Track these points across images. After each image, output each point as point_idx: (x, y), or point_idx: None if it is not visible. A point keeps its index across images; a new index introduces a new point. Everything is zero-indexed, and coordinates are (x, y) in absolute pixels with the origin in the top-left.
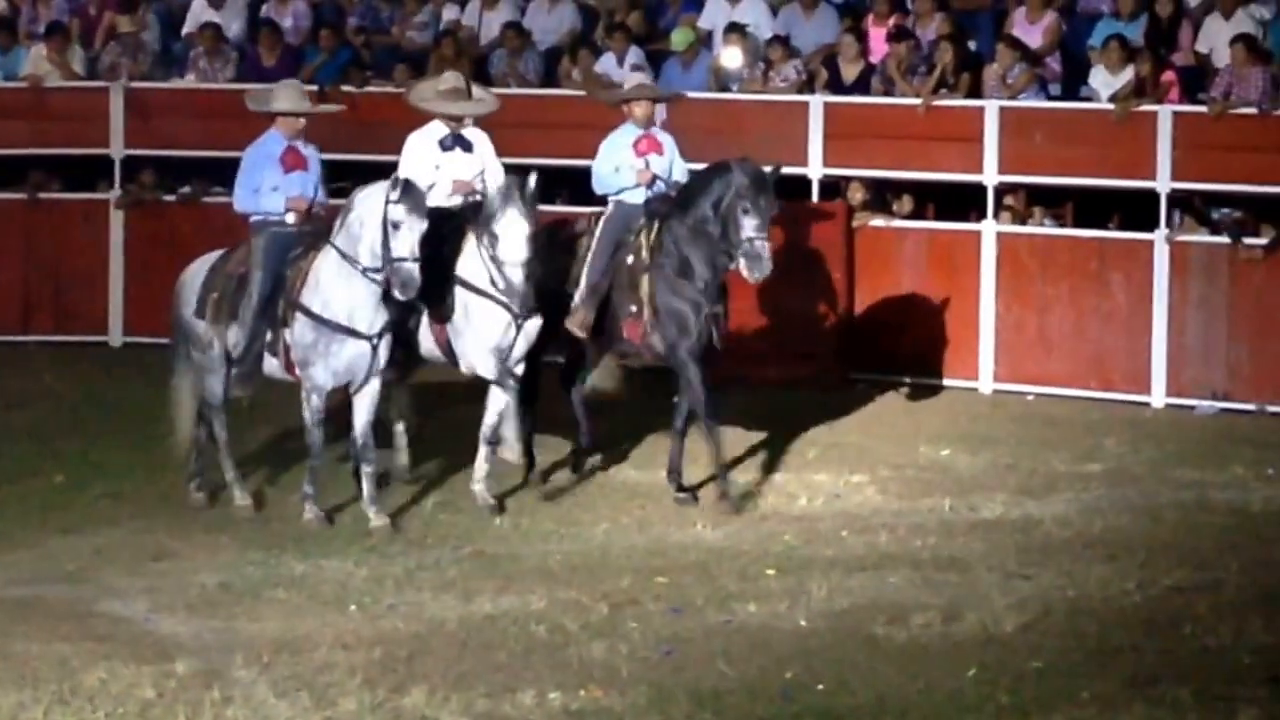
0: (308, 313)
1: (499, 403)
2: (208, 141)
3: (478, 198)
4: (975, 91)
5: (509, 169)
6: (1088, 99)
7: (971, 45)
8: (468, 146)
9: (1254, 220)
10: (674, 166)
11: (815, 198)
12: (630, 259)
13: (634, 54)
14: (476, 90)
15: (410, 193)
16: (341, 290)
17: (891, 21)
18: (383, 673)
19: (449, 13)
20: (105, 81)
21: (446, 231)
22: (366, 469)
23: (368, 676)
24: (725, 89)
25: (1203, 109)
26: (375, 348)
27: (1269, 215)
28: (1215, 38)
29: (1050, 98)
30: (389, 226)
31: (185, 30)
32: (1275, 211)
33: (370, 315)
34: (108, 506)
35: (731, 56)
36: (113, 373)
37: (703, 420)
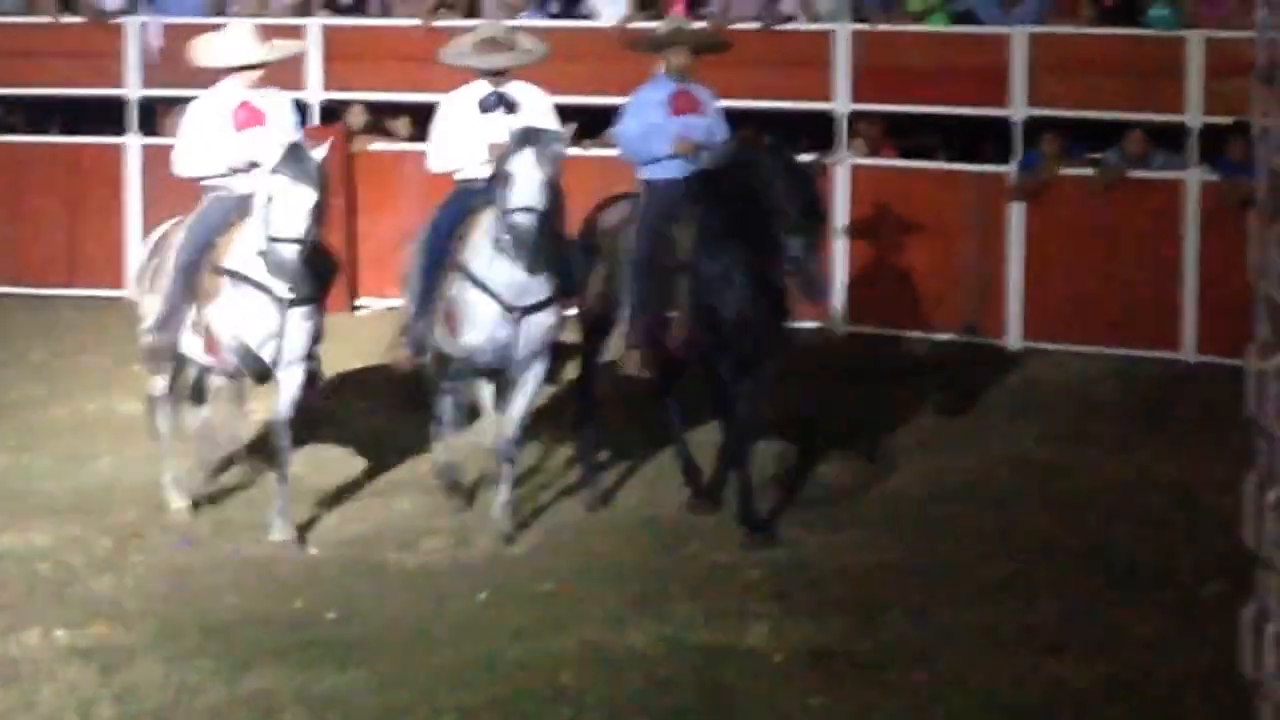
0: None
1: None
2: None
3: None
4: (475, 11)
5: None
6: (588, 17)
7: None
8: (511, 106)
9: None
10: (715, 129)
11: (316, 122)
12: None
13: None
14: (524, 40)
15: (295, 159)
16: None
17: None
18: None
19: None
20: None
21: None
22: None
23: None
24: (222, 12)
25: (704, 24)
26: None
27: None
28: None
29: (551, 16)
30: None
31: None
32: (777, 129)
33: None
34: None
35: None
36: None
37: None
